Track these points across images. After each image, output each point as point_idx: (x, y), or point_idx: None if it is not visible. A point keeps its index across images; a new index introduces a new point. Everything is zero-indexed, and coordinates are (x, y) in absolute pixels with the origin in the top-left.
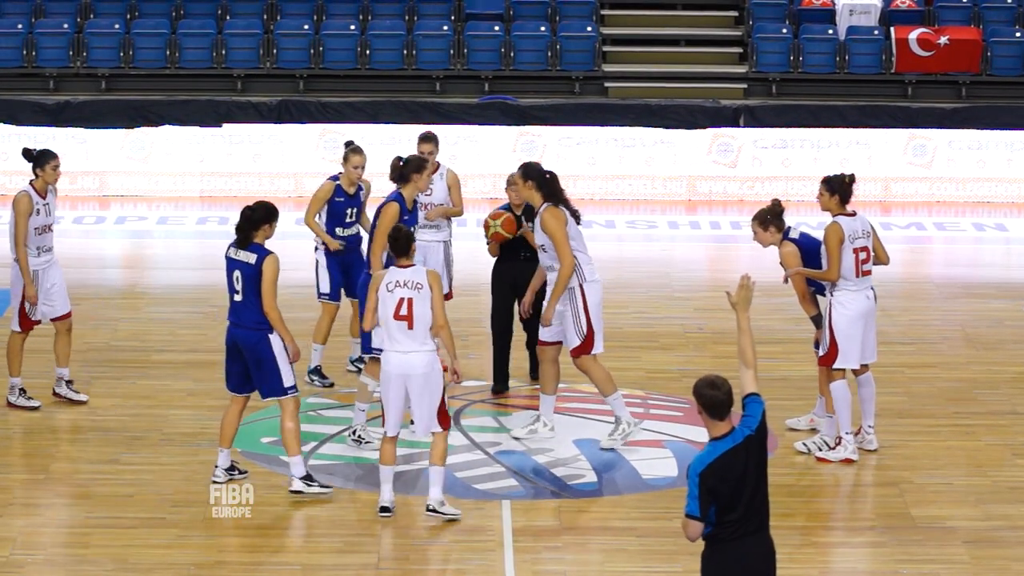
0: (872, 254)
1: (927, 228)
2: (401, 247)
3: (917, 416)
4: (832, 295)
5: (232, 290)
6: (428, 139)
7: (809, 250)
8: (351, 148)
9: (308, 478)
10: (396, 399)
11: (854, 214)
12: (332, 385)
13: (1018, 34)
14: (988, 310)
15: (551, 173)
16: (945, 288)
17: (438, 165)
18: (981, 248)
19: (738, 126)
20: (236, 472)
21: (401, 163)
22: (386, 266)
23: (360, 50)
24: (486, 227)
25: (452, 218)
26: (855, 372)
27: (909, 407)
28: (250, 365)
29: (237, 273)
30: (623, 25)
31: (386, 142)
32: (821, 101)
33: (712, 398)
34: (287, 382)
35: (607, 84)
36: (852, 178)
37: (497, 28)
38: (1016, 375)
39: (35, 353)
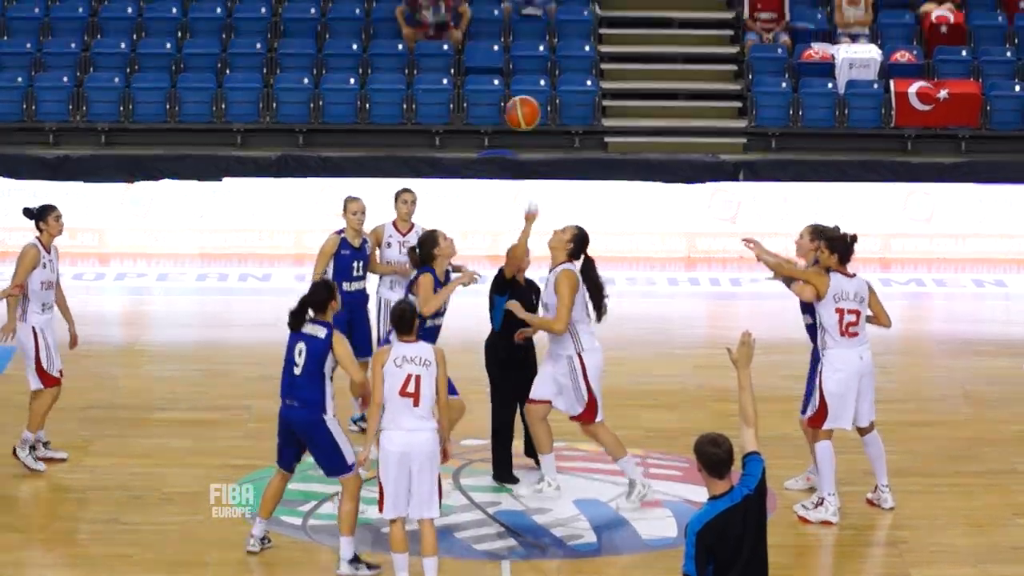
0: (861, 318)
1: (927, 284)
2: (406, 324)
3: (917, 474)
4: (823, 354)
5: (292, 363)
6: (408, 190)
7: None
8: (348, 197)
9: (355, 560)
10: (398, 478)
11: (853, 275)
12: None
13: (1017, 88)
14: (988, 367)
15: (583, 232)
16: (945, 345)
17: (413, 224)
18: (981, 304)
19: (738, 181)
20: (268, 542)
21: (417, 250)
22: (385, 342)
23: (360, 104)
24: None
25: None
26: (860, 432)
27: (909, 465)
28: (308, 445)
29: (301, 346)
30: (623, 79)
31: (386, 197)
32: (821, 156)
33: (713, 456)
34: (349, 460)
35: (607, 139)
36: (854, 238)
37: (497, 82)
38: (1016, 433)
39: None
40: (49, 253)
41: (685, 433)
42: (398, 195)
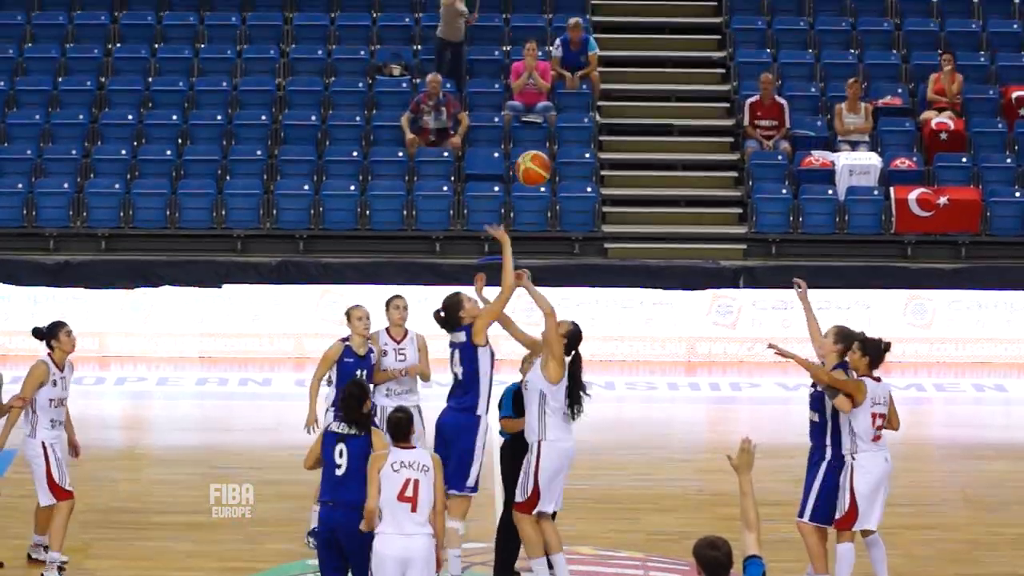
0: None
1: (927, 389)
2: (402, 431)
3: None
4: (852, 459)
5: (333, 465)
6: (399, 296)
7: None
8: (351, 306)
9: None
10: None
11: (879, 380)
12: None
13: (1017, 194)
14: (988, 471)
15: (577, 329)
16: (945, 449)
17: (407, 331)
18: (981, 409)
19: (738, 287)
20: None
21: (442, 313)
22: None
23: (360, 210)
24: (516, 167)
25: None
26: (863, 533)
27: (909, 569)
28: (349, 554)
29: (341, 447)
30: (623, 186)
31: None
32: (821, 262)
33: (712, 559)
34: None
35: (607, 245)
36: (888, 346)
37: (497, 189)
38: (1017, 536)
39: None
40: (61, 370)
41: (686, 536)
42: (389, 302)
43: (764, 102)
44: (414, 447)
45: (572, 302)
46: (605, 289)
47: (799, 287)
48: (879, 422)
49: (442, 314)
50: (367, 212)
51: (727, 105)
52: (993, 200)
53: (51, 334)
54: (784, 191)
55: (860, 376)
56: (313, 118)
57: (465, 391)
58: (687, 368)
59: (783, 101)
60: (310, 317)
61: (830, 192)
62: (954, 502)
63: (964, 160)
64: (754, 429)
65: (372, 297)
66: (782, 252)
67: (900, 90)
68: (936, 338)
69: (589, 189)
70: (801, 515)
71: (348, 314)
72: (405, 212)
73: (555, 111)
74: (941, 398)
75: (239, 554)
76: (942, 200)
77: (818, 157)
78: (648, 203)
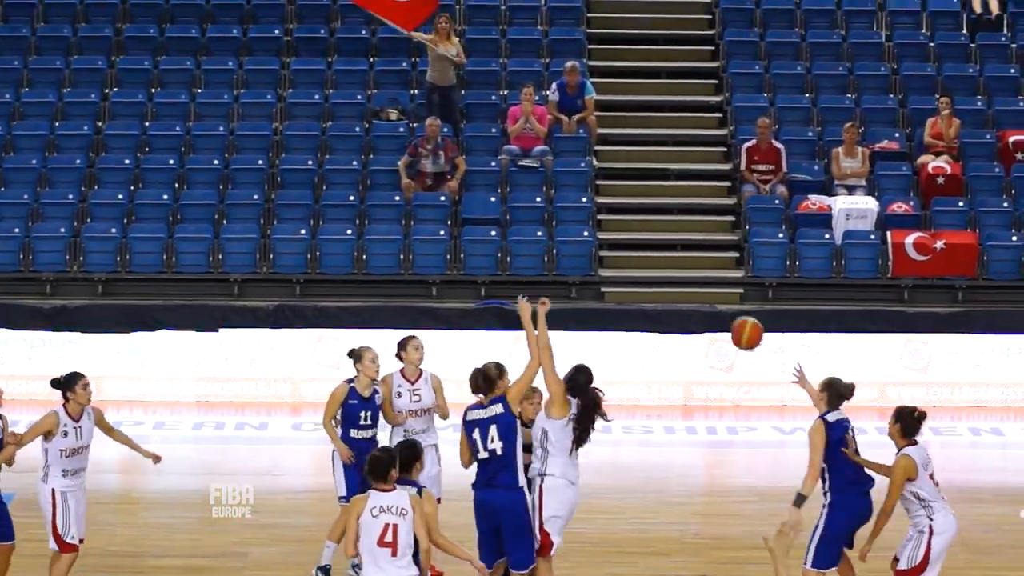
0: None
1: (923, 433)
2: (380, 471)
3: None
4: (932, 519)
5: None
6: (415, 337)
7: (835, 440)
8: (361, 347)
9: None
10: None
11: (916, 443)
12: None
13: (1014, 238)
14: (985, 515)
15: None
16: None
17: (422, 371)
18: (978, 452)
19: None
20: None
21: (483, 374)
22: (361, 490)
23: (357, 255)
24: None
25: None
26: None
27: None
28: None
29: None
30: (620, 230)
31: (382, 346)
32: (818, 306)
33: None
34: None
35: (603, 289)
36: (923, 415)
37: (494, 233)
38: None
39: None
40: (76, 420)
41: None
42: (407, 342)
43: (761, 146)
44: (393, 489)
45: (569, 346)
46: (602, 333)
47: (796, 374)
48: (936, 479)
49: (482, 377)
50: (364, 256)
51: (724, 149)
52: (990, 244)
53: (67, 385)
54: (781, 235)
55: (900, 447)
56: (310, 162)
57: (505, 466)
58: (684, 412)
59: (780, 145)
60: (306, 361)
61: (827, 236)
62: (952, 545)
63: (961, 204)
64: (751, 473)
65: (368, 341)
66: (779, 296)
67: (897, 134)
68: (932, 382)
69: (586, 233)
70: (805, 562)
71: (359, 355)
72: (402, 256)
73: (552, 155)
74: (937, 442)
75: None
76: (939, 244)
77: (815, 201)
78: (645, 247)
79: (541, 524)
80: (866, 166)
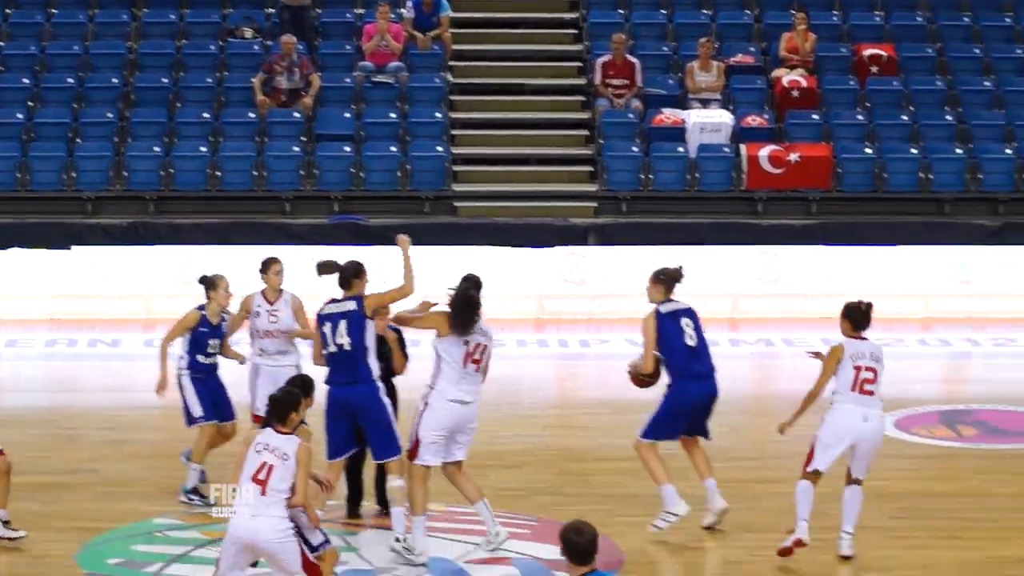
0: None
1: (775, 344)
2: (279, 412)
3: (765, 531)
4: (830, 405)
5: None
6: (277, 260)
7: (667, 332)
8: (215, 275)
9: None
10: (231, 563)
11: (864, 339)
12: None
13: (868, 151)
14: None
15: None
16: (793, 403)
17: (282, 292)
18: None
19: (588, 244)
20: None
21: (341, 275)
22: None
23: (211, 172)
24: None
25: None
26: (849, 482)
27: (759, 521)
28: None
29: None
30: (473, 145)
31: (237, 264)
32: (672, 219)
33: (574, 544)
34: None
35: (457, 204)
36: (869, 307)
37: (348, 149)
38: (864, 487)
39: None
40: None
41: (533, 492)
42: (269, 265)
43: (616, 61)
44: (289, 433)
45: (422, 261)
46: (455, 247)
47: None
48: (865, 375)
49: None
50: (218, 173)
51: (579, 64)
52: (844, 157)
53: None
54: (635, 149)
55: (847, 337)
56: (164, 80)
57: (355, 361)
58: (536, 325)
59: (635, 60)
60: (160, 278)
61: (681, 150)
62: (801, 455)
63: (815, 117)
64: (602, 385)
65: (222, 258)
66: (633, 209)
67: (752, 48)
68: (785, 293)
69: (440, 148)
70: (639, 433)
71: (213, 283)
72: (256, 173)
73: (406, 71)
74: (789, 353)
75: (88, 513)
76: (793, 157)
77: (669, 115)
78: (499, 162)
79: (416, 431)
80: (721, 80)
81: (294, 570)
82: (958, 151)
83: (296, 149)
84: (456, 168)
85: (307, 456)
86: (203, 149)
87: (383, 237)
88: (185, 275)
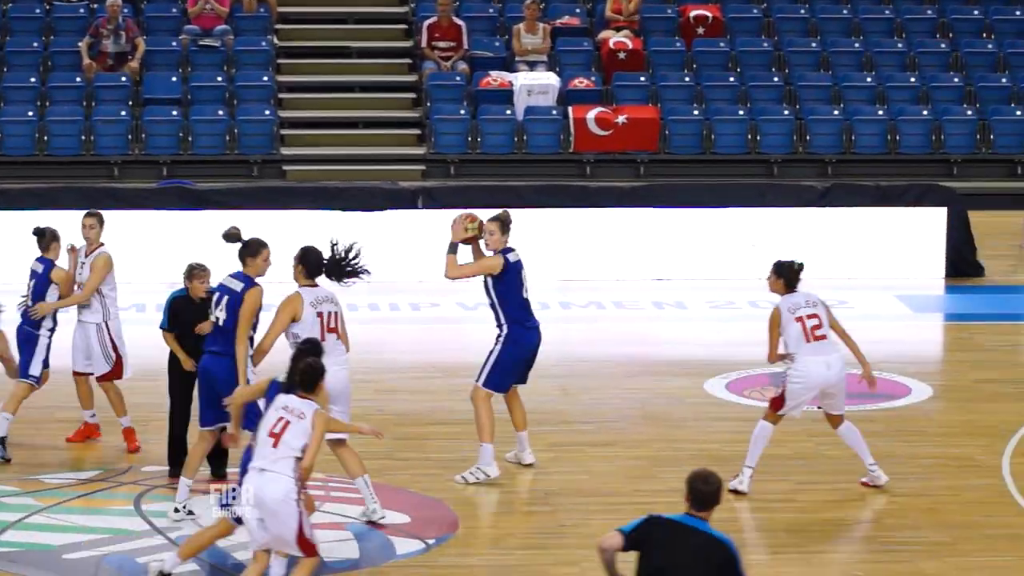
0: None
1: (606, 306)
2: (308, 382)
3: (598, 495)
4: (793, 361)
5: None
6: (92, 214)
7: (510, 280)
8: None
9: None
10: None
11: (794, 290)
12: (9, 461)
13: (696, 112)
14: (666, 387)
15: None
16: (624, 366)
17: (101, 244)
18: (659, 326)
19: (417, 207)
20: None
21: (242, 246)
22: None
23: (38, 136)
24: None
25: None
26: (831, 422)
27: (590, 486)
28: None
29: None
30: (301, 108)
31: (65, 227)
32: (500, 181)
33: (701, 493)
34: None
35: (285, 167)
36: (801, 266)
37: (175, 112)
38: (696, 452)
39: None
40: None
41: (366, 456)
42: (83, 219)
43: (442, 23)
44: (311, 399)
45: (251, 225)
46: (284, 211)
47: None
48: (811, 323)
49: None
50: (45, 138)
51: (405, 27)
52: (672, 119)
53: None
54: (462, 112)
55: (780, 295)
56: None
57: (224, 334)
58: (367, 289)
59: (461, 22)
60: None
61: (508, 112)
62: (634, 418)
63: (642, 79)
64: (434, 349)
65: (50, 222)
66: (461, 172)
67: (578, 10)
68: (615, 256)
69: (267, 112)
70: (477, 380)
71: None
72: (84, 137)
73: (232, 35)
74: (619, 315)
75: None
76: (620, 119)
77: (496, 77)
78: (326, 125)
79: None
80: (547, 42)
81: (289, 538)
82: (786, 113)
83: (123, 113)
84: (284, 132)
85: (323, 423)
86: (30, 114)
87: (212, 201)
88: (8, 238)
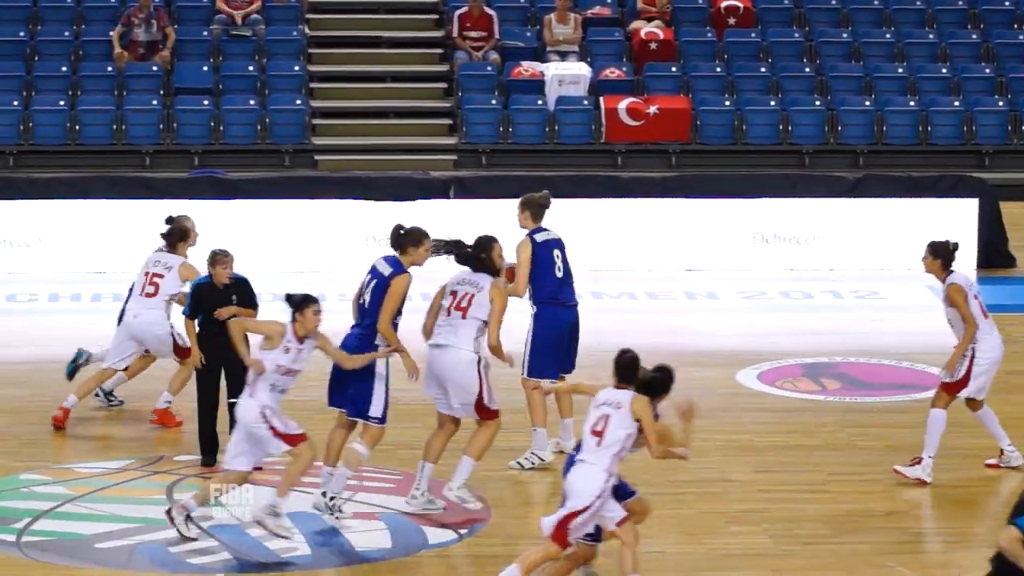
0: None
1: (639, 297)
2: (627, 374)
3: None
4: (975, 341)
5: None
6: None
7: (540, 259)
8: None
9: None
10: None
11: (953, 271)
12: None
13: (727, 103)
14: (698, 379)
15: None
16: (656, 357)
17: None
18: (691, 317)
19: (448, 198)
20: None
21: (401, 232)
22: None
23: (70, 126)
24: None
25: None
26: (971, 407)
27: (623, 476)
28: None
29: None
30: (332, 98)
31: (95, 218)
32: (531, 171)
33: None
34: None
35: (317, 157)
36: (956, 245)
37: (206, 102)
38: (727, 443)
39: None
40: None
41: (400, 447)
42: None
43: (473, 13)
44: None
45: (282, 215)
46: (315, 201)
47: None
48: (981, 301)
49: (400, 231)
50: (77, 127)
51: (436, 16)
52: (703, 109)
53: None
54: (494, 102)
55: (943, 279)
56: (22, 34)
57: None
58: None
59: (492, 12)
60: (18, 232)
61: (540, 102)
62: (666, 409)
63: (674, 69)
64: None
65: (82, 212)
66: (492, 162)
67: (609, 1)
68: (647, 246)
69: (299, 102)
70: (522, 372)
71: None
72: (115, 126)
73: (264, 24)
74: (651, 306)
75: None
76: (652, 109)
77: (527, 68)
78: (358, 115)
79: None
80: (578, 32)
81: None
82: (817, 104)
83: (155, 103)
84: (315, 121)
85: (644, 409)
86: (62, 103)
87: (243, 191)
88: (43, 231)
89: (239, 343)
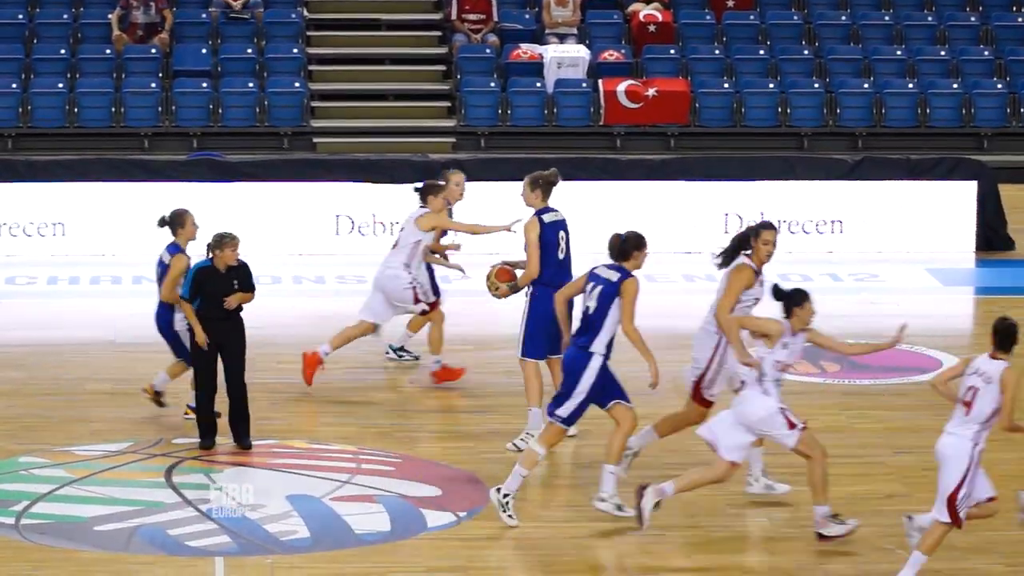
0: None
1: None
2: (1005, 341)
3: (631, 468)
4: None
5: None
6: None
7: (546, 240)
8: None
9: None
10: None
11: None
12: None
13: (726, 85)
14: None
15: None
16: (655, 339)
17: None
18: (690, 299)
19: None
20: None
21: (621, 241)
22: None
23: (68, 108)
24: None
25: None
26: None
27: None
28: None
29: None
30: (331, 81)
31: (96, 199)
32: (529, 154)
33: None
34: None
35: (315, 139)
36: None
37: (205, 85)
38: None
39: None
40: None
41: (397, 429)
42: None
43: None
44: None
45: (281, 197)
46: (314, 184)
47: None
48: None
49: (620, 240)
50: (76, 110)
51: None
52: (702, 91)
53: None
54: (492, 84)
55: None
56: (20, 16)
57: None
58: None
59: None
60: (17, 216)
61: (538, 85)
62: (665, 391)
63: (672, 52)
64: (465, 322)
65: (80, 194)
66: (491, 145)
67: None
68: (646, 228)
69: (297, 84)
70: (519, 353)
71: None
72: (114, 109)
73: (262, 6)
74: (650, 288)
75: None
76: (651, 92)
77: (526, 50)
78: (357, 97)
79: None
80: (577, 14)
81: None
82: (816, 86)
83: (153, 85)
84: (314, 104)
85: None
86: (60, 86)
87: (242, 173)
88: (42, 214)
89: (735, 341)
